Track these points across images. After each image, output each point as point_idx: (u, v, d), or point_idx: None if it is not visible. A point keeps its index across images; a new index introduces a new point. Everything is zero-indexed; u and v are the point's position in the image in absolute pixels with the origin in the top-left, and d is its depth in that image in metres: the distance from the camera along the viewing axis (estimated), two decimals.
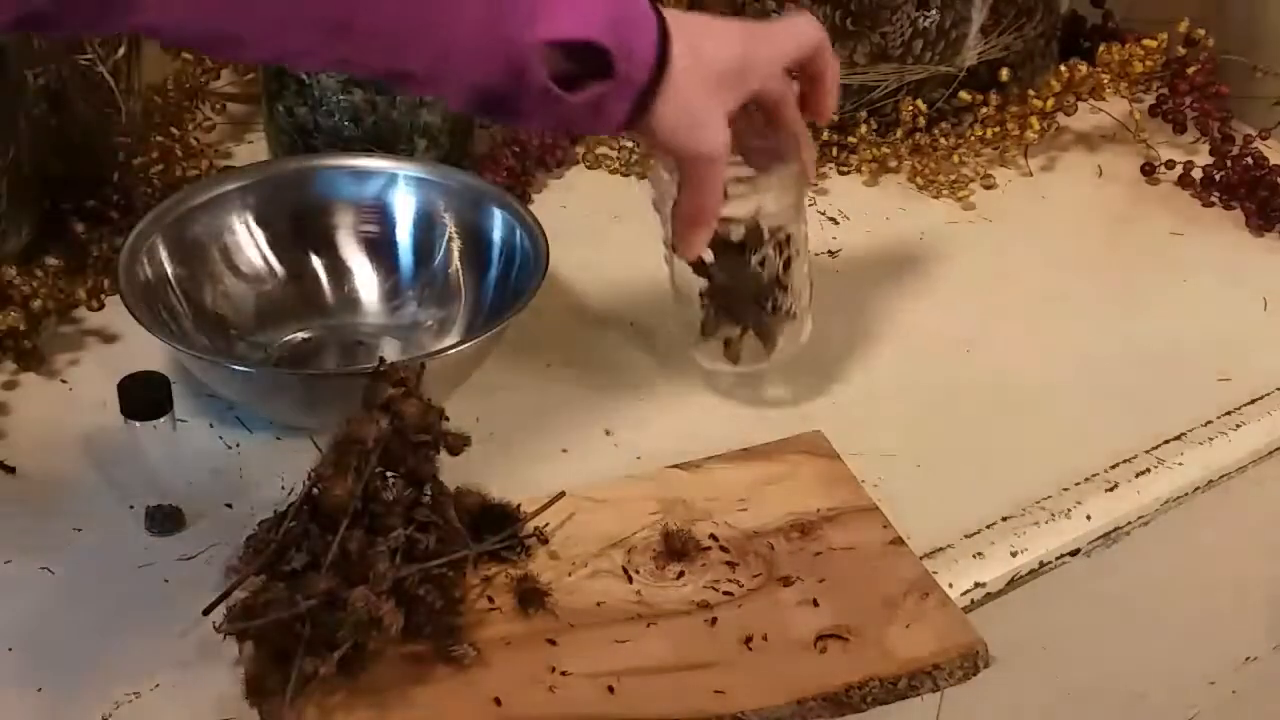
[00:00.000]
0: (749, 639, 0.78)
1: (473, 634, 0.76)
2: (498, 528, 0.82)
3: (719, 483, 0.87)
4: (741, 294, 0.92)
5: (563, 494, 0.85)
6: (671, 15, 0.78)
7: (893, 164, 1.20)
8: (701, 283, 0.92)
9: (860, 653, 0.77)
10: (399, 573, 0.74)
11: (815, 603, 0.80)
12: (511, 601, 0.79)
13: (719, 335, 0.94)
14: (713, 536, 0.83)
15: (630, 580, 0.80)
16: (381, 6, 0.71)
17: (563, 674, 0.75)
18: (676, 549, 0.82)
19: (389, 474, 0.78)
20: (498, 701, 0.73)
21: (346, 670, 0.72)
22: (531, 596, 0.79)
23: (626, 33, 0.75)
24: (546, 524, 0.83)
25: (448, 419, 0.80)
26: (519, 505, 0.83)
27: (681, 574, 0.81)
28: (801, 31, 0.86)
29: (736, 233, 0.89)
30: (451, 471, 0.84)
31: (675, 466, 0.89)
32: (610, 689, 0.74)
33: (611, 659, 0.76)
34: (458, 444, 0.80)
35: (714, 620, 0.79)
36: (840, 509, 0.86)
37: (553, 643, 0.76)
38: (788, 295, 0.93)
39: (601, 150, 1.21)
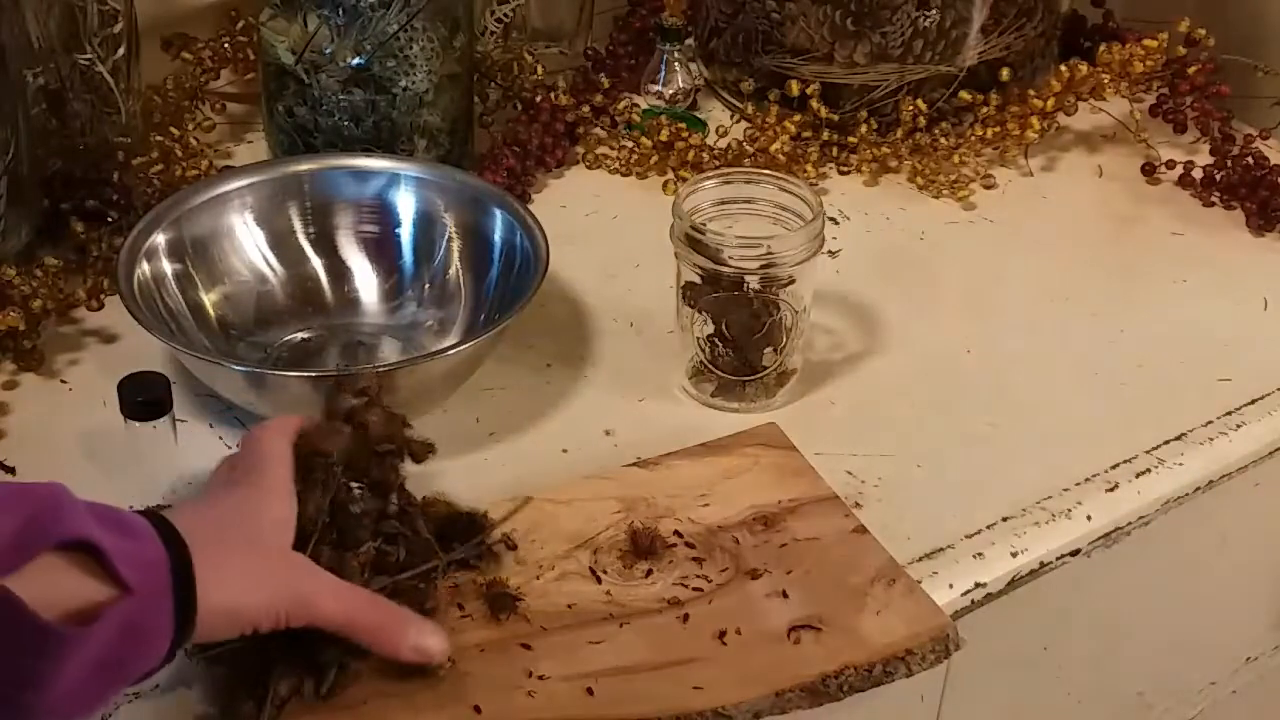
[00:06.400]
0: (722, 633, 0.78)
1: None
2: (465, 535, 0.80)
3: (679, 479, 0.87)
4: (742, 348, 0.93)
5: (529, 499, 0.84)
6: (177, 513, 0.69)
7: (893, 164, 1.20)
8: (705, 327, 0.93)
9: (833, 642, 0.77)
10: (370, 586, 0.74)
11: (785, 594, 0.80)
12: (483, 608, 0.78)
13: (712, 379, 0.95)
14: (677, 533, 0.83)
15: (599, 581, 0.80)
16: None
17: (540, 678, 0.74)
18: (643, 547, 0.81)
19: (354, 485, 0.76)
20: (478, 709, 0.73)
21: (324, 693, 0.72)
22: (502, 602, 0.77)
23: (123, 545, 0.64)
24: (514, 529, 0.82)
25: (410, 426, 0.79)
26: (485, 512, 0.82)
27: (650, 572, 0.81)
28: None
29: (748, 287, 0.91)
30: (452, 473, 0.85)
31: (633, 464, 0.88)
32: (589, 691, 0.74)
33: (588, 660, 0.76)
34: (422, 452, 0.79)
35: (686, 617, 0.79)
36: (801, 500, 0.86)
37: (527, 647, 0.76)
38: (789, 353, 0.94)
39: (601, 150, 1.21)
